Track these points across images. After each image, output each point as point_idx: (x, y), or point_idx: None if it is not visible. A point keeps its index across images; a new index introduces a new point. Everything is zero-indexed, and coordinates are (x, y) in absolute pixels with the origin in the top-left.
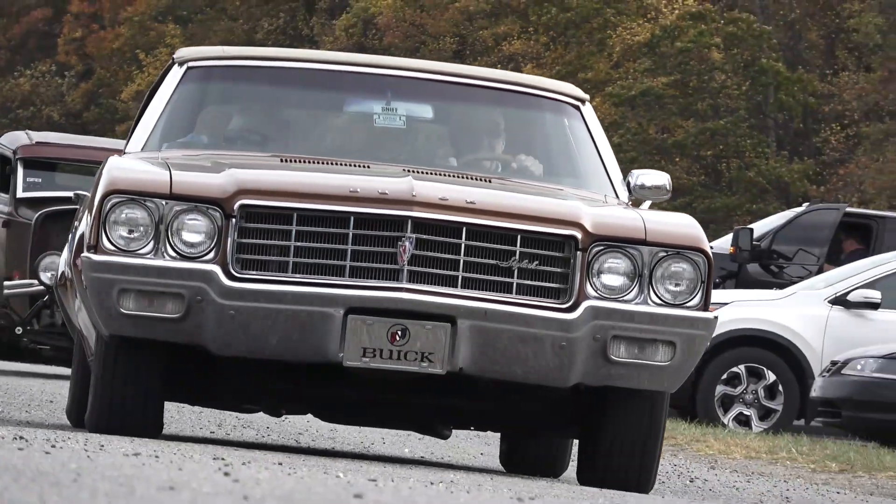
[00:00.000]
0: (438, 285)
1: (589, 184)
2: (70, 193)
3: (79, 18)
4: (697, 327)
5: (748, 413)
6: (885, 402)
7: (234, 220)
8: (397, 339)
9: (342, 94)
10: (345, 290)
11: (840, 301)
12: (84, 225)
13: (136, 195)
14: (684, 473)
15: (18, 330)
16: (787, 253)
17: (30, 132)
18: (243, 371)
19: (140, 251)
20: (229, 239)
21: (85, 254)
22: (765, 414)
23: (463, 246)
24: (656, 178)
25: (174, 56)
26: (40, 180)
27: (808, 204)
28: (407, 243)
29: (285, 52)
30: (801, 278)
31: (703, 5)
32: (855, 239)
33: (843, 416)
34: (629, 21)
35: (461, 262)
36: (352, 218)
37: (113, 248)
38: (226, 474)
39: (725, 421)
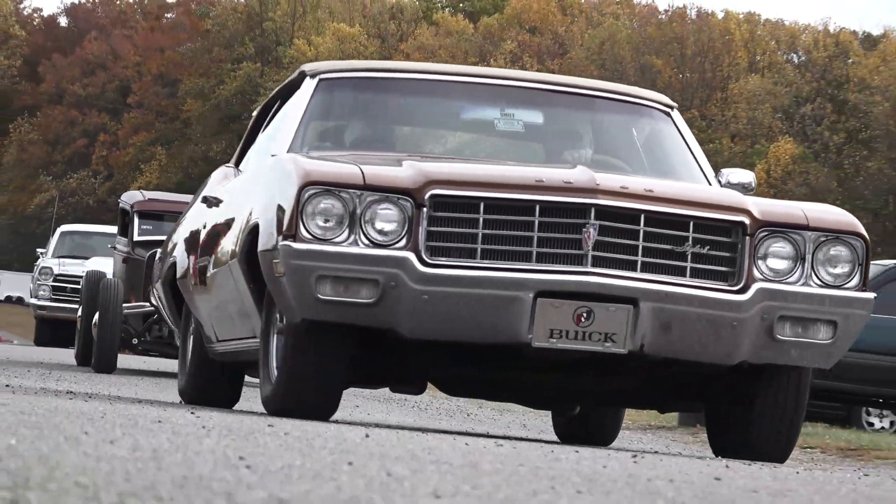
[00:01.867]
0: (620, 269)
1: (691, 180)
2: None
3: (104, 144)
4: (856, 307)
5: None
6: None
7: (424, 209)
8: (582, 320)
9: (460, 102)
10: (534, 275)
11: None
12: (202, 225)
13: (331, 186)
14: None
15: (134, 341)
16: None
17: (143, 191)
18: (427, 354)
19: (336, 239)
20: (420, 227)
21: (283, 242)
22: None
23: (641, 232)
24: (743, 175)
25: (304, 70)
26: (151, 227)
27: None
28: (591, 229)
29: (407, 64)
30: None
31: None
32: None
33: None
34: None
35: (640, 247)
36: (537, 206)
37: (310, 236)
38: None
39: None
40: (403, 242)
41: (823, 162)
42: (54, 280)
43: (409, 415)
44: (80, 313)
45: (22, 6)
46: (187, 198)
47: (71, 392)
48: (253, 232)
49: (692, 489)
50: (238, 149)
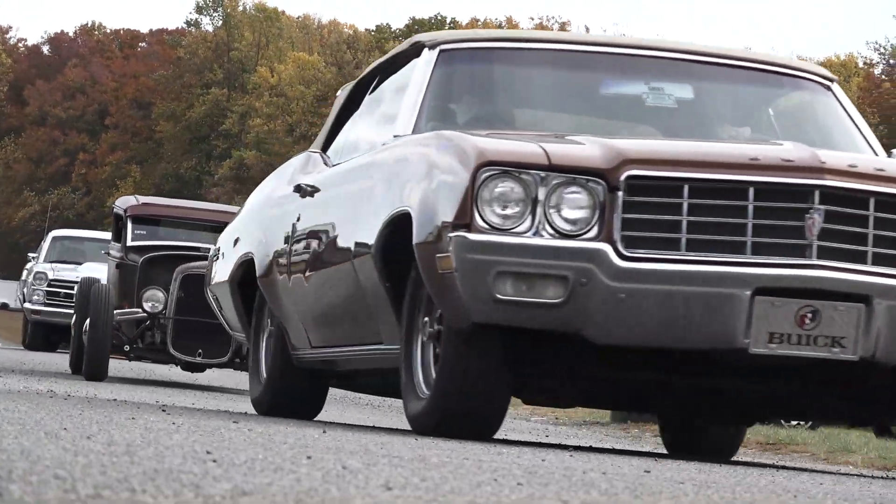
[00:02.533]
0: (848, 261)
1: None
2: (169, 242)
3: (83, 162)
4: None
5: None
6: None
7: (619, 193)
8: (807, 322)
9: (600, 74)
10: (752, 269)
11: None
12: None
13: (511, 167)
14: None
15: (127, 347)
16: None
17: (137, 196)
18: (617, 361)
19: (516, 229)
20: (614, 215)
21: (456, 233)
22: None
23: (871, 218)
24: None
25: (421, 41)
26: (145, 232)
27: None
28: (816, 216)
29: (535, 33)
30: None
31: None
32: None
33: None
34: None
35: (870, 235)
36: (751, 188)
37: (487, 226)
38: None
39: None
40: (594, 232)
41: None
42: (49, 285)
43: (365, 412)
44: (73, 320)
45: (8, 36)
46: (183, 203)
47: (52, 391)
48: (395, 223)
49: (624, 480)
50: (324, 132)
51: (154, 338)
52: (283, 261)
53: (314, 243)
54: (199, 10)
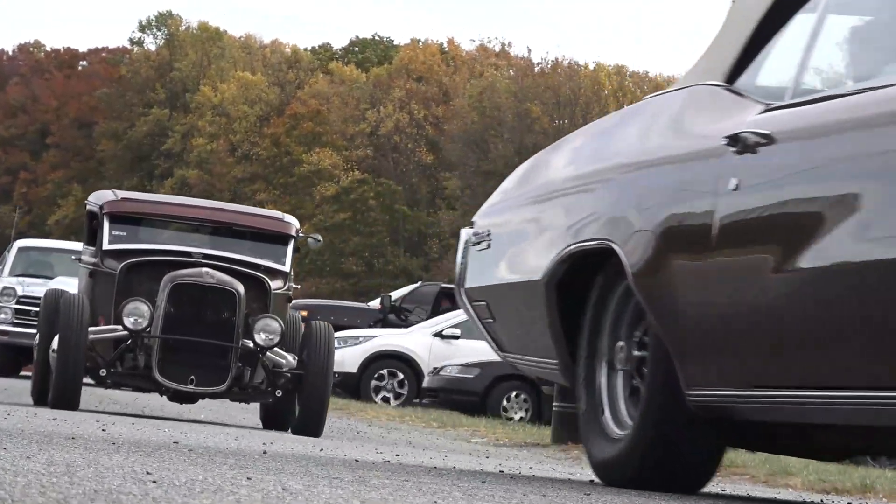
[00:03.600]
0: None
1: None
2: (153, 246)
3: (25, 181)
4: None
5: (388, 395)
6: (462, 390)
7: None
8: None
9: None
10: None
11: (438, 334)
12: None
13: None
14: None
15: (103, 372)
16: (410, 308)
17: (116, 191)
18: None
19: None
20: None
21: None
22: (398, 396)
23: None
24: None
25: None
26: (125, 234)
27: (421, 283)
28: None
29: None
30: (417, 322)
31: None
32: (448, 300)
33: (439, 397)
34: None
35: None
36: None
37: None
38: None
39: (376, 399)
40: None
41: None
42: (17, 302)
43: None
44: (36, 340)
45: None
46: (171, 198)
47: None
48: None
49: (564, 503)
50: (725, 58)
51: (136, 360)
52: (698, 251)
53: (787, 224)
54: (142, 28)
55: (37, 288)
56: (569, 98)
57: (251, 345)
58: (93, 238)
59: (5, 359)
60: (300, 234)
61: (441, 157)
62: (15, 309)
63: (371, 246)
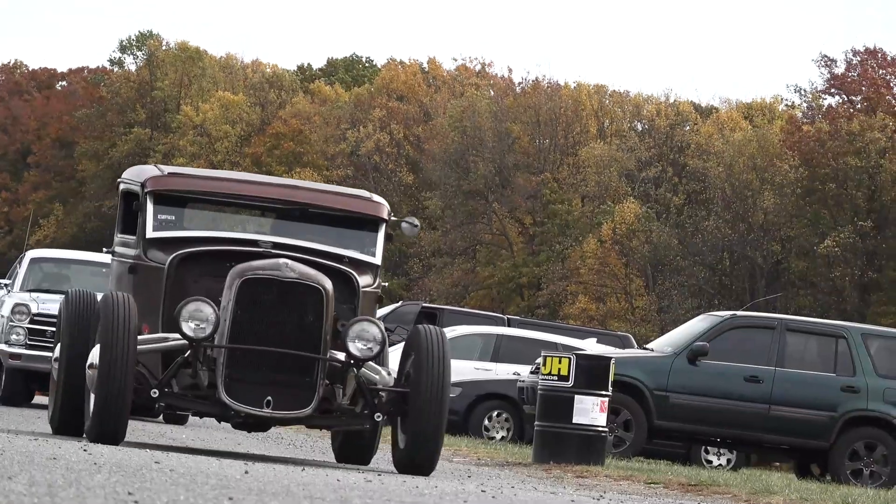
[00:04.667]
0: None
1: None
2: (211, 233)
3: (6, 201)
4: None
5: None
6: None
7: None
8: None
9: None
10: None
11: None
12: None
13: None
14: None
15: (155, 392)
16: (392, 328)
17: (160, 165)
18: None
19: None
20: None
21: None
22: None
23: None
24: None
25: None
26: (173, 218)
27: (402, 302)
28: None
29: None
30: (399, 342)
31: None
32: (428, 320)
33: None
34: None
35: None
36: None
37: None
38: None
39: None
40: None
41: (665, 221)
42: (31, 321)
43: (288, 450)
44: (55, 355)
45: None
46: (229, 174)
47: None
48: None
49: None
50: None
51: (198, 378)
52: None
53: None
54: (122, 49)
55: (53, 305)
56: (549, 117)
57: (340, 356)
58: (129, 225)
59: (17, 386)
60: (392, 218)
61: (422, 176)
62: (28, 329)
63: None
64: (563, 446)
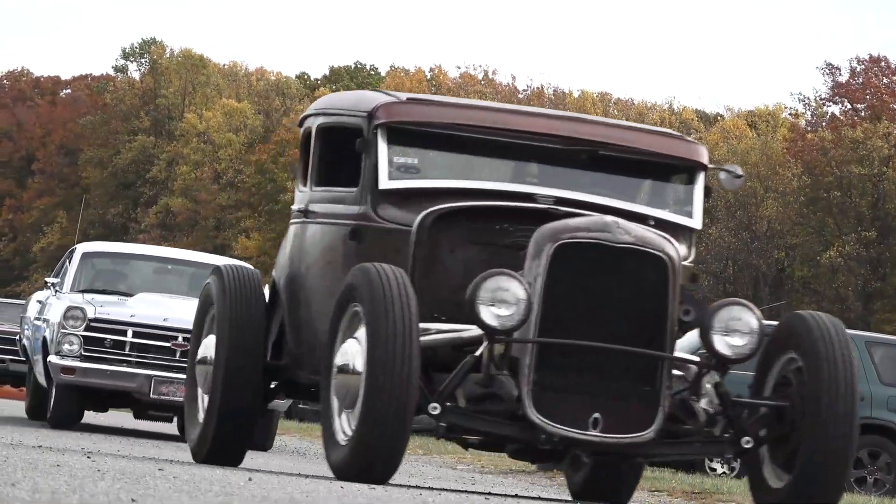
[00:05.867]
0: None
1: None
2: (476, 183)
3: (10, 207)
4: None
5: None
6: None
7: None
8: None
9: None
10: None
11: None
12: None
13: None
14: None
15: (435, 408)
16: None
17: (388, 91)
18: None
19: None
20: None
21: None
22: None
23: None
24: None
25: None
26: (416, 162)
27: None
28: None
29: None
30: None
31: None
32: None
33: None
34: None
35: None
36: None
37: None
38: None
39: None
40: None
41: None
42: (88, 328)
43: (291, 459)
44: (202, 355)
45: None
46: (481, 103)
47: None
48: None
49: None
50: None
51: (497, 385)
52: None
53: None
54: (126, 56)
55: (114, 308)
56: None
57: (692, 357)
58: (331, 175)
59: (70, 405)
60: (711, 166)
61: None
62: (84, 337)
63: None
64: None
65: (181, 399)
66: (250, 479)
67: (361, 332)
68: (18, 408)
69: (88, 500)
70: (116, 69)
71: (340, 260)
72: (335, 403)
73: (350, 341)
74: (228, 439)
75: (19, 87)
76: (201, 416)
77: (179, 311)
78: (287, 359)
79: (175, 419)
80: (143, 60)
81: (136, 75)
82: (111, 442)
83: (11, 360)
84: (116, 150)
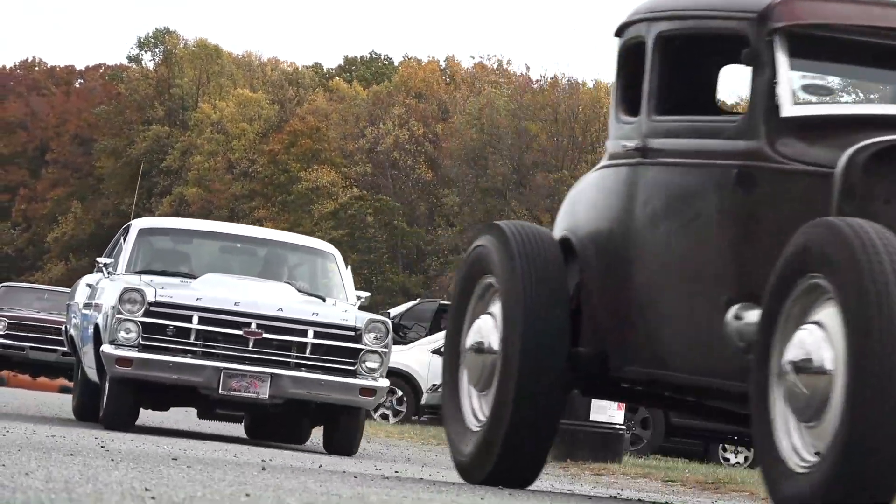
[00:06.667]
0: None
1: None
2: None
3: (24, 198)
4: None
5: (387, 412)
6: None
7: None
8: None
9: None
10: None
11: (437, 351)
12: None
13: None
14: None
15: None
16: (409, 325)
17: None
18: None
19: None
20: None
21: None
22: (396, 413)
23: None
24: None
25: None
26: (825, 84)
27: (419, 300)
28: None
29: None
30: (416, 339)
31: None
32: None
33: (438, 414)
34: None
35: None
36: None
37: None
38: None
39: (374, 416)
40: None
41: None
42: (146, 313)
43: (304, 452)
44: (484, 340)
45: None
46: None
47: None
48: None
49: None
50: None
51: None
52: None
53: None
54: (140, 46)
55: (177, 291)
56: (567, 115)
57: None
58: (678, 99)
59: (125, 401)
60: None
61: (440, 173)
62: (143, 324)
63: (369, 263)
64: (581, 444)
65: (254, 395)
66: (264, 469)
67: (826, 314)
68: (52, 403)
69: (102, 489)
70: (131, 59)
71: (714, 215)
72: (783, 411)
73: (806, 328)
74: (523, 453)
75: (33, 77)
76: (473, 422)
77: (253, 294)
78: (590, 348)
79: (244, 419)
80: (157, 50)
81: (151, 65)
82: (124, 433)
83: (31, 349)
84: (131, 139)
